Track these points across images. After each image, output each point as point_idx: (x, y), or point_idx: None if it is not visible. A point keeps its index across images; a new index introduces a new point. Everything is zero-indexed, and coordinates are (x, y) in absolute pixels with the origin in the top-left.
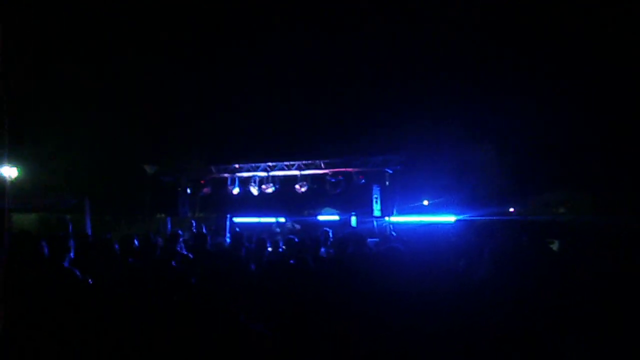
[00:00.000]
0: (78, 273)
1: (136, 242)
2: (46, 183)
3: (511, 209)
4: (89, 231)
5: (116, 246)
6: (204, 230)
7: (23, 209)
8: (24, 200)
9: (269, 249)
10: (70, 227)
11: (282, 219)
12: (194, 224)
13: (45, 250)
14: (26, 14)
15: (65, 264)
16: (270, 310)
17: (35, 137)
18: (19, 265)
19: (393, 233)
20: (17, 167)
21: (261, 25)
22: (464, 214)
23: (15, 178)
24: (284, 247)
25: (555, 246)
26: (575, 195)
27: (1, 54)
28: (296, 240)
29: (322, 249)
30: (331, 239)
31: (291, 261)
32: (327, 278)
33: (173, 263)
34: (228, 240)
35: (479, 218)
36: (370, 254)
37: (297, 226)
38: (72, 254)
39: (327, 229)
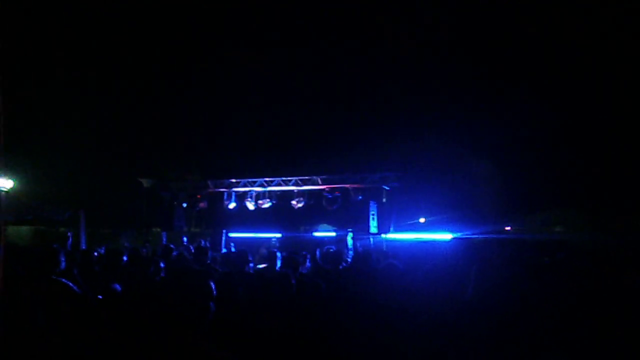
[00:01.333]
0: (73, 286)
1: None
2: (41, 195)
3: (507, 227)
4: (84, 244)
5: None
6: (202, 244)
7: (18, 221)
8: (19, 212)
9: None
10: (70, 241)
11: (278, 235)
12: (185, 240)
13: (37, 262)
14: (23, 24)
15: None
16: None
17: (30, 148)
18: (11, 279)
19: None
20: (12, 179)
21: (259, 40)
22: (460, 231)
23: (10, 189)
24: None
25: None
26: (572, 213)
27: None
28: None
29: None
30: (318, 256)
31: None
32: (322, 294)
33: (157, 278)
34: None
35: (475, 236)
36: (369, 270)
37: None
38: (62, 267)
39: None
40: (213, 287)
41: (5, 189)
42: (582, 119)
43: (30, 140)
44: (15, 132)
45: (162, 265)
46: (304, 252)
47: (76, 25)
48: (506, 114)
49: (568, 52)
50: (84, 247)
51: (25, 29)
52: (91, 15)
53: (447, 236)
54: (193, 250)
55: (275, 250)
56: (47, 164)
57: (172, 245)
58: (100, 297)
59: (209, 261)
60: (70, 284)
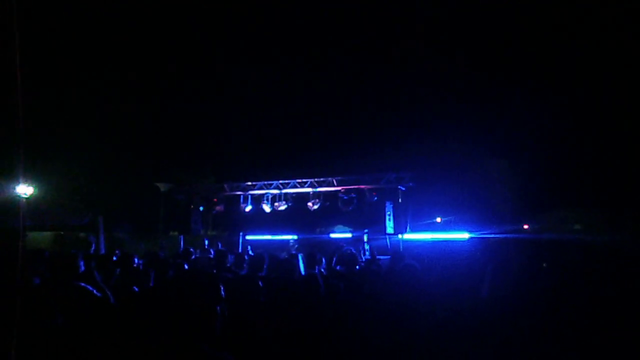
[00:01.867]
0: (92, 289)
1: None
2: (61, 201)
3: (525, 226)
4: (103, 249)
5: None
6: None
7: (38, 226)
8: (39, 218)
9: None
10: (93, 247)
11: (294, 237)
12: (207, 242)
13: (58, 267)
14: (44, 30)
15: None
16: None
17: (49, 155)
18: (33, 283)
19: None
20: (32, 186)
21: (273, 43)
22: (477, 231)
23: (30, 196)
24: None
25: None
26: (590, 212)
27: (17, 71)
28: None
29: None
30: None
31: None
32: (339, 297)
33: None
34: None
35: (492, 235)
36: (385, 272)
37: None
38: (81, 270)
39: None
40: (222, 290)
41: (26, 196)
42: (603, 115)
43: (49, 148)
44: (35, 139)
45: (186, 267)
46: (318, 255)
47: (93, 32)
48: (523, 111)
49: (586, 47)
50: (103, 252)
51: (44, 36)
52: (110, 22)
53: (464, 235)
54: (213, 254)
55: (295, 252)
56: (65, 171)
57: (191, 249)
58: (117, 299)
59: (228, 264)
60: (90, 287)
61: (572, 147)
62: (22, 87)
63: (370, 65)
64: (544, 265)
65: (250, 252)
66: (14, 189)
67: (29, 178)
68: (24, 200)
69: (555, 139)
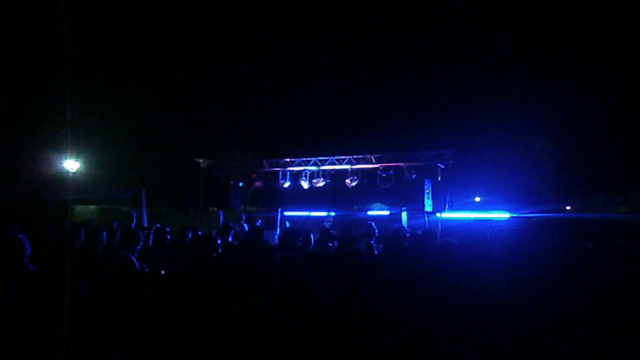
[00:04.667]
0: (135, 262)
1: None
2: (105, 176)
3: (568, 207)
4: (145, 222)
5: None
6: (258, 224)
7: (83, 200)
8: (84, 192)
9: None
10: (135, 220)
11: (332, 213)
12: (244, 217)
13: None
14: (90, 7)
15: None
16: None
17: (94, 132)
18: (82, 253)
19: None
20: (78, 161)
21: (313, 21)
22: (518, 211)
23: (77, 170)
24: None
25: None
26: (637, 194)
27: (63, 49)
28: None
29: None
30: (377, 234)
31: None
32: (380, 271)
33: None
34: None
35: (533, 215)
36: (426, 248)
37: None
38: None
39: (372, 223)
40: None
41: (72, 171)
42: None
43: (93, 125)
44: (81, 117)
45: (219, 242)
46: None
47: (136, 7)
48: (568, 86)
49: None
50: (145, 225)
51: (91, 12)
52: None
53: (504, 215)
54: (247, 229)
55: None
56: (110, 147)
57: (231, 224)
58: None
59: (265, 239)
60: (134, 258)
61: (619, 128)
62: (68, 67)
63: (411, 42)
64: (589, 245)
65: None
66: (62, 164)
67: (75, 154)
68: (70, 175)
69: (602, 118)
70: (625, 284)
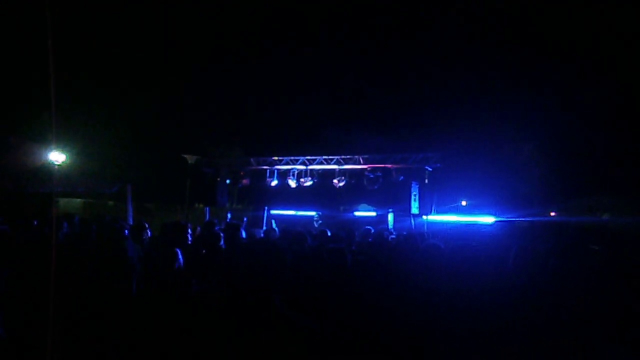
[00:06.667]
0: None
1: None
2: (91, 169)
3: (552, 213)
4: (130, 218)
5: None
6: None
7: (68, 193)
8: (70, 185)
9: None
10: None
11: (318, 213)
12: (229, 215)
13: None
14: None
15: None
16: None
17: (81, 125)
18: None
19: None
20: (64, 153)
21: (302, 23)
22: (502, 215)
23: (62, 163)
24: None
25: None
26: (621, 200)
27: (49, 41)
28: (329, 233)
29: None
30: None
31: (327, 249)
32: (364, 271)
33: (203, 251)
34: (262, 232)
35: (518, 219)
36: (411, 249)
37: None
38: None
39: (369, 227)
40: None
41: (58, 163)
42: (635, 100)
43: (80, 118)
44: (67, 110)
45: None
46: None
47: (123, 6)
48: (552, 93)
49: (621, 33)
50: (130, 221)
51: (77, 9)
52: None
53: (489, 219)
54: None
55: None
56: (96, 140)
57: (215, 220)
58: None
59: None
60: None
61: (603, 134)
62: (55, 59)
63: (401, 45)
64: (596, 248)
65: (274, 227)
66: (47, 156)
67: (60, 146)
68: (56, 167)
69: (586, 124)
70: (610, 288)
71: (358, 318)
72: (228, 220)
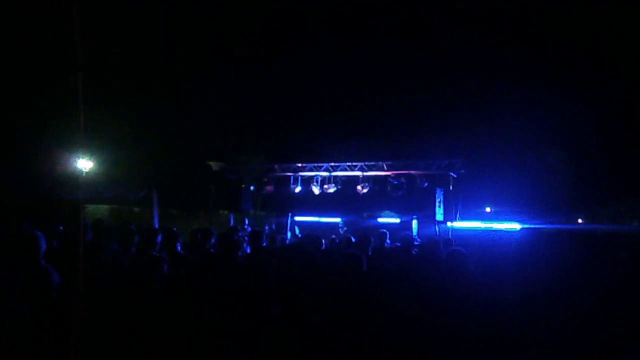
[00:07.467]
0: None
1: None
2: (117, 176)
3: (579, 220)
4: (156, 224)
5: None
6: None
7: (95, 200)
8: (97, 192)
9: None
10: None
11: (341, 219)
12: (247, 222)
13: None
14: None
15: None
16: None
17: (108, 132)
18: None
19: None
20: (92, 160)
21: (329, 30)
22: (529, 222)
23: (90, 170)
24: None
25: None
26: None
27: (78, 51)
28: (353, 239)
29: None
30: (388, 242)
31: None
32: (383, 278)
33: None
34: (288, 238)
35: (544, 227)
36: (435, 256)
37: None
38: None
39: (385, 231)
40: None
41: (85, 170)
42: None
43: (108, 125)
44: (94, 116)
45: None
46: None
47: (147, 11)
48: (581, 98)
49: None
50: (157, 226)
51: (105, 12)
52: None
53: (515, 226)
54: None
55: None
56: (123, 148)
57: (239, 227)
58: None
59: (264, 244)
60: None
61: (631, 140)
62: (82, 68)
63: (426, 50)
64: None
65: (297, 233)
66: (75, 163)
67: (89, 153)
68: (83, 174)
69: (615, 130)
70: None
71: (372, 324)
72: (246, 226)
